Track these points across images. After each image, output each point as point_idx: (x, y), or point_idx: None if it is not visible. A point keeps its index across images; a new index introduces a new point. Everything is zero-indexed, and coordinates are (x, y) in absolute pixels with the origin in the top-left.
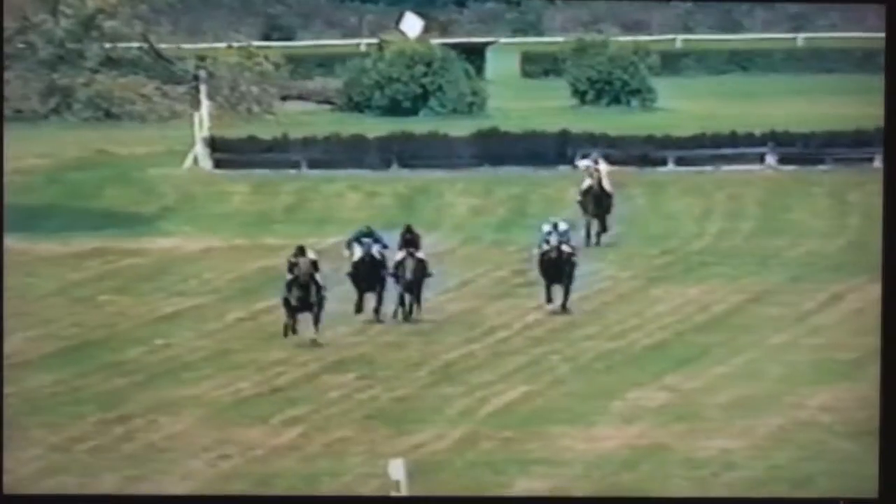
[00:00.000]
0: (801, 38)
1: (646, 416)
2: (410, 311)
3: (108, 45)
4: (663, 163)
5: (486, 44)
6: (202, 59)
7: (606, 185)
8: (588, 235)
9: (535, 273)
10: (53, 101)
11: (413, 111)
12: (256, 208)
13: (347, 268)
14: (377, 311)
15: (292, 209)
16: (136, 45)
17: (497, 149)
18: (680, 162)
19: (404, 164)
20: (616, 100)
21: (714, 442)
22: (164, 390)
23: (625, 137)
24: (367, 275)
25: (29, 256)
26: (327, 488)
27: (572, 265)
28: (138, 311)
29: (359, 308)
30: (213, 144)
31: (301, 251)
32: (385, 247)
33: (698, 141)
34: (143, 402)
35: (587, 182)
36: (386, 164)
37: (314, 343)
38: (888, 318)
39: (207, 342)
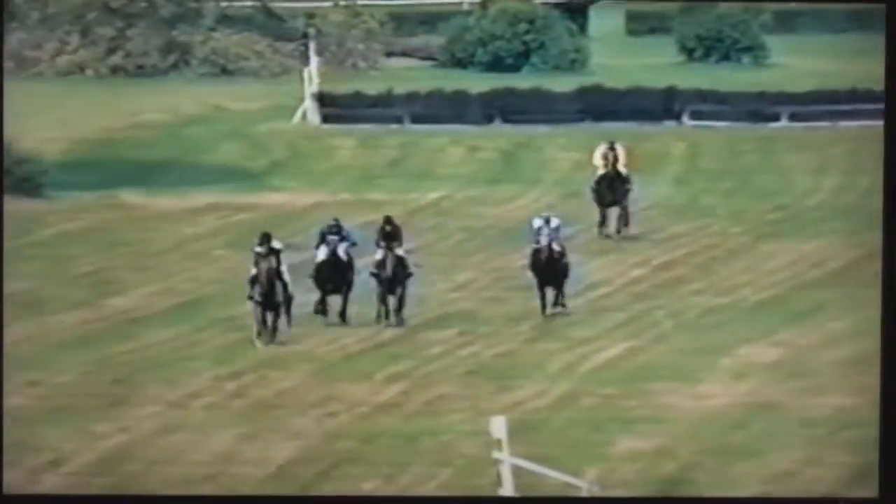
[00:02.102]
0: None
1: (757, 372)
2: (398, 313)
3: (224, 4)
4: (776, 118)
5: (590, 2)
6: (311, 16)
7: (623, 169)
8: (602, 224)
9: (640, 228)
10: (173, 57)
11: (515, 67)
12: (361, 163)
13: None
14: (342, 314)
15: (396, 164)
16: (249, 3)
17: (600, 104)
18: (794, 118)
19: (506, 120)
20: (726, 57)
21: (829, 400)
22: (274, 346)
23: (735, 93)
24: (332, 276)
25: (147, 212)
26: (429, 446)
27: (565, 265)
28: (249, 266)
29: (321, 310)
30: (322, 99)
31: (266, 239)
32: (353, 244)
33: (814, 97)
34: (254, 358)
35: (601, 168)
36: (488, 120)
37: (283, 342)
38: (888, 318)
39: (314, 297)
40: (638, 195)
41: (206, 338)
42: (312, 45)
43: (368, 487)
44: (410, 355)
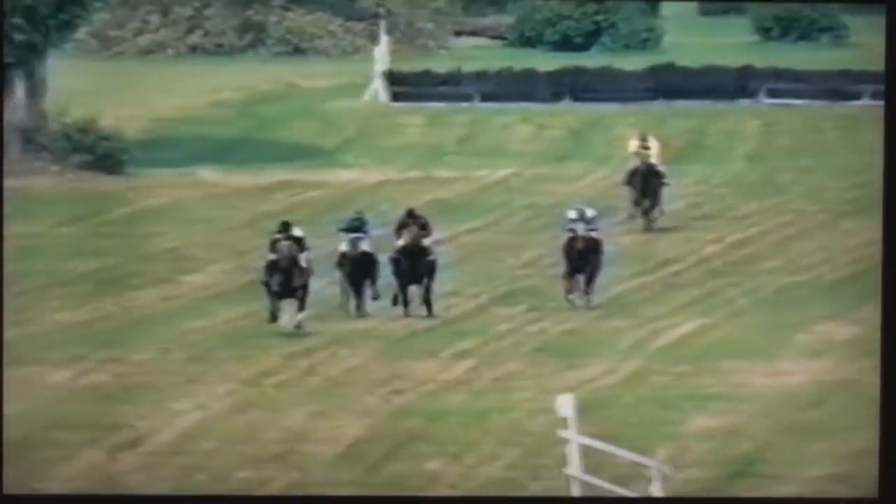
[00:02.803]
0: None
1: (834, 350)
2: (427, 303)
3: None
4: (857, 97)
5: None
6: None
7: (656, 163)
8: (636, 216)
9: (713, 205)
10: (249, 36)
11: (585, 46)
12: (430, 140)
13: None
14: (359, 307)
15: (464, 141)
16: None
17: (673, 83)
18: (876, 96)
19: (576, 98)
20: (804, 36)
21: None
22: (343, 323)
23: (815, 71)
24: (353, 269)
25: (222, 189)
26: (496, 424)
27: (599, 254)
28: (321, 242)
29: (345, 303)
30: (391, 78)
31: (285, 227)
32: (373, 242)
33: None
34: (324, 336)
35: (634, 162)
36: (557, 98)
37: (299, 329)
38: (888, 317)
39: (382, 274)
40: (712, 172)
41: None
42: (383, 25)
43: (434, 467)
44: (478, 332)
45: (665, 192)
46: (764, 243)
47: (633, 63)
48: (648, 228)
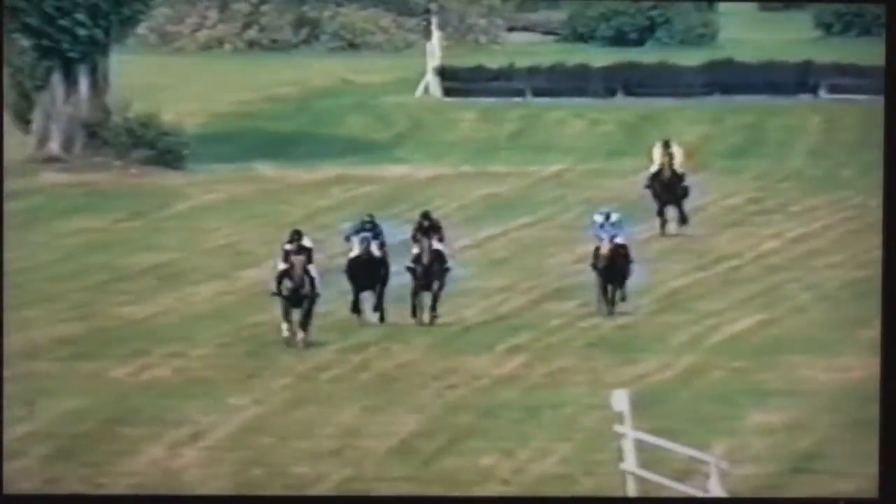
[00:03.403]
0: None
1: None
2: (433, 309)
3: None
4: None
5: None
6: None
7: (679, 168)
8: (663, 224)
9: (774, 200)
10: (303, 32)
11: (639, 42)
12: (482, 135)
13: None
14: (377, 308)
15: (517, 136)
16: None
17: (730, 78)
18: None
19: (629, 93)
20: (867, 31)
21: None
22: (396, 318)
23: (876, 67)
24: (364, 273)
25: (279, 184)
26: (549, 420)
27: (626, 263)
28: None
29: (355, 308)
30: (444, 73)
31: (297, 236)
32: (382, 244)
33: None
34: (377, 331)
35: (656, 166)
36: (610, 93)
37: (306, 344)
38: (888, 316)
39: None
40: (772, 167)
41: (332, 309)
42: (435, 21)
43: (487, 462)
44: (530, 327)
45: (686, 202)
46: (826, 238)
47: (689, 58)
48: (663, 234)
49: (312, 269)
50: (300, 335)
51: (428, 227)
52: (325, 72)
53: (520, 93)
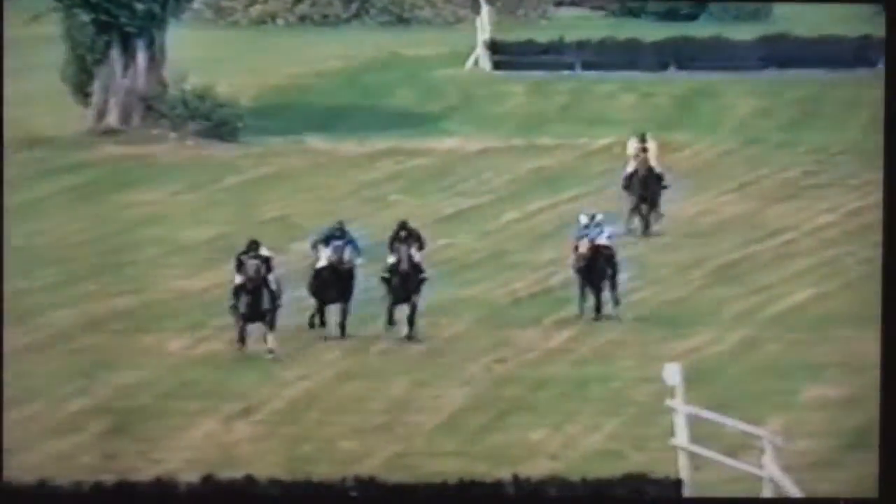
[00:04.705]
0: None
1: None
2: (411, 324)
3: None
4: None
5: None
6: None
7: (655, 165)
8: (634, 221)
9: (830, 174)
10: (353, 6)
11: (691, 17)
12: (532, 108)
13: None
14: (342, 325)
15: (566, 109)
16: None
17: (786, 52)
18: None
19: (682, 67)
20: None
21: None
22: (445, 291)
23: None
24: (332, 284)
25: (329, 157)
26: (598, 394)
27: (614, 265)
28: (423, 211)
29: (317, 322)
30: (493, 47)
31: (254, 246)
32: (358, 252)
33: None
34: (427, 304)
35: (631, 165)
36: (662, 67)
37: (272, 356)
38: (888, 316)
39: (485, 243)
40: (829, 140)
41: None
42: None
43: (536, 437)
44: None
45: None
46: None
47: (743, 32)
48: (646, 233)
49: (272, 279)
50: (267, 342)
51: (406, 237)
52: (374, 46)
53: (569, 66)
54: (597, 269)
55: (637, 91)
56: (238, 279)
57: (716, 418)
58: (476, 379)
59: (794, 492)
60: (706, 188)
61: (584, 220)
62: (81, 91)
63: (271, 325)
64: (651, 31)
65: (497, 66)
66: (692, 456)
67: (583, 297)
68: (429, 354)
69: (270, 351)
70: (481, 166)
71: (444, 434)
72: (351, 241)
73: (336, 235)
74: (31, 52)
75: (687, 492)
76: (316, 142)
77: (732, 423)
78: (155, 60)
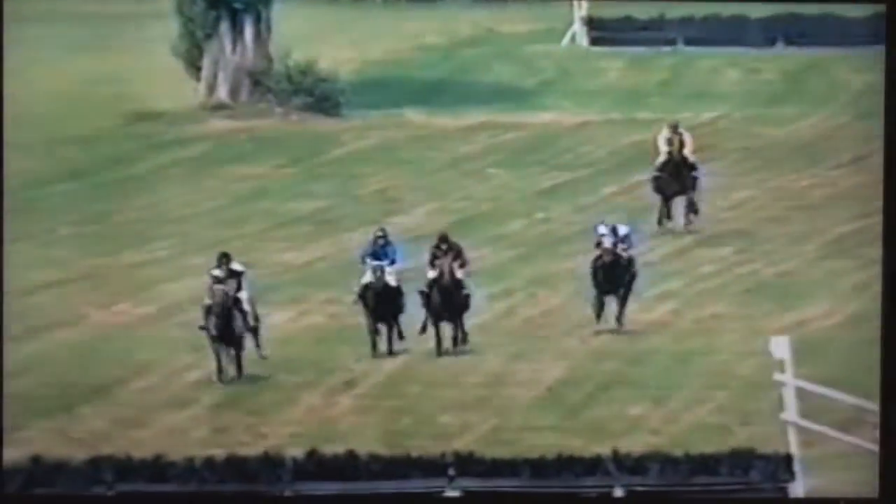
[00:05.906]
0: None
1: None
2: (463, 342)
3: None
4: None
5: None
6: None
7: (689, 155)
8: (662, 218)
9: None
10: None
11: None
12: (631, 83)
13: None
14: (390, 342)
15: (667, 84)
16: None
17: None
18: None
19: (790, 43)
20: None
21: None
22: (543, 264)
23: None
24: (378, 303)
25: (427, 130)
26: (701, 367)
27: (632, 274)
28: (520, 184)
29: (373, 340)
30: (591, 23)
31: (225, 259)
32: (392, 262)
33: None
34: (523, 276)
35: (664, 155)
36: (770, 43)
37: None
38: (888, 316)
39: (582, 216)
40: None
41: (479, 255)
42: None
43: (636, 412)
44: (682, 273)
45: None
46: None
47: (856, 10)
48: (688, 230)
49: (244, 297)
50: (231, 374)
51: (447, 250)
52: (471, 22)
53: (671, 42)
54: (615, 274)
55: (742, 66)
56: (206, 300)
57: (827, 392)
58: (574, 352)
59: None
60: (818, 161)
61: (602, 229)
62: (193, 66)
63: (257, 344)
64: (757, 8)
65: (595, 42)
66: (802, 431)
67: (599, 307)
68: (525, 328)
69: (263, 357)
70: (579, 140)
71: (541, 408)
72: (389, 255)
73: (380, 245)
74: (145, 28)
75: (797, 467)
76: (415, 116)
77: (845, 398)
78: (261, 36)
